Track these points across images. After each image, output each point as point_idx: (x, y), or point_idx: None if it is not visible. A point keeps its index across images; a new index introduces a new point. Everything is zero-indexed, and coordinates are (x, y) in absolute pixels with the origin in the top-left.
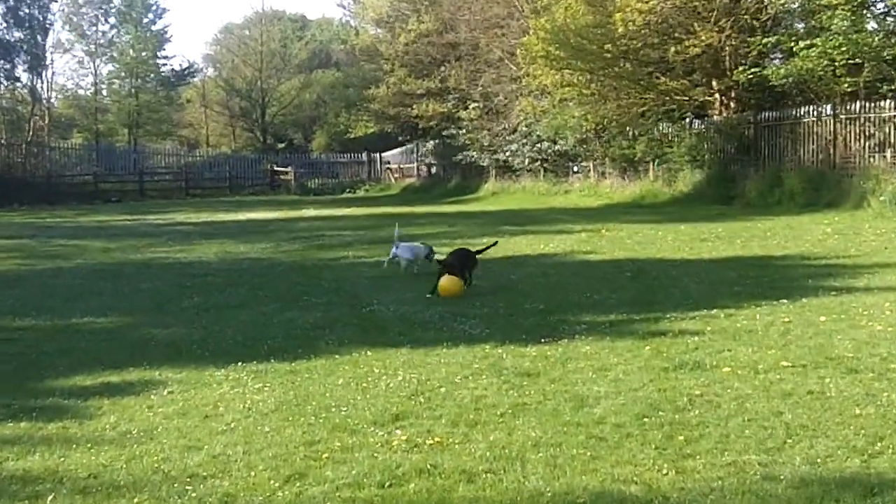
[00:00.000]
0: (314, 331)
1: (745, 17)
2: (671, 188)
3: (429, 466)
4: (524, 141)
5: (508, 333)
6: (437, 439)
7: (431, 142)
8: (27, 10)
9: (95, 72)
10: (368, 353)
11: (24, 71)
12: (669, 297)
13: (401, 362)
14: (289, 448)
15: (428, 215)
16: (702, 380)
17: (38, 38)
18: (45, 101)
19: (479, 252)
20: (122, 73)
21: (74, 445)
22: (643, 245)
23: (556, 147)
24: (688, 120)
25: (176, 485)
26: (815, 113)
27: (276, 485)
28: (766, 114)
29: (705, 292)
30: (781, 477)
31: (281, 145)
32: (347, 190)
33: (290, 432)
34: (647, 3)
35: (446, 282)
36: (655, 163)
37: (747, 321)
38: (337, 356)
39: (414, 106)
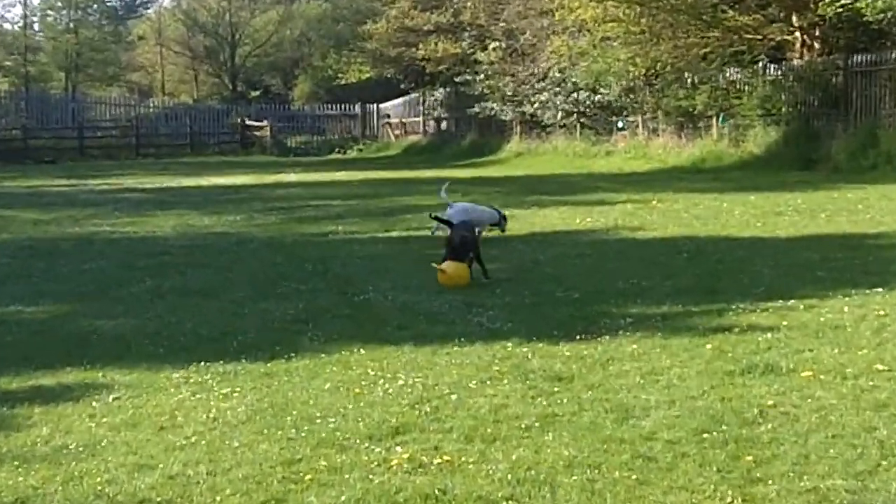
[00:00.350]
0: (295, 324)
1: None
2: (739, 149)
3: (436, 492)
4: (556, 90)
5: (536, 328)
6: (446, 458)
7: (441, 90)
8: None
9: (25, 1)
10: (362, 351)
11: None
12: (736, 285)
13: (402, 363)
14: (263, 468)
15: (436, 182)
16: (776, 387)
17: None
18: None
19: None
20: (59, 3)
21: None
22: (703, 220)
23: (597, 98)
24: (761, 64)
25: None
26: None
27: None
28: (859, 57)
29: (781, 278)
30: None
31: (254, 94)
32: (336, 150)
33: (264, 448)
34: None
35: (450, 264)
36: (720, 118)
37: (833, 315)
38: (323, 355)
39: (420, 45)
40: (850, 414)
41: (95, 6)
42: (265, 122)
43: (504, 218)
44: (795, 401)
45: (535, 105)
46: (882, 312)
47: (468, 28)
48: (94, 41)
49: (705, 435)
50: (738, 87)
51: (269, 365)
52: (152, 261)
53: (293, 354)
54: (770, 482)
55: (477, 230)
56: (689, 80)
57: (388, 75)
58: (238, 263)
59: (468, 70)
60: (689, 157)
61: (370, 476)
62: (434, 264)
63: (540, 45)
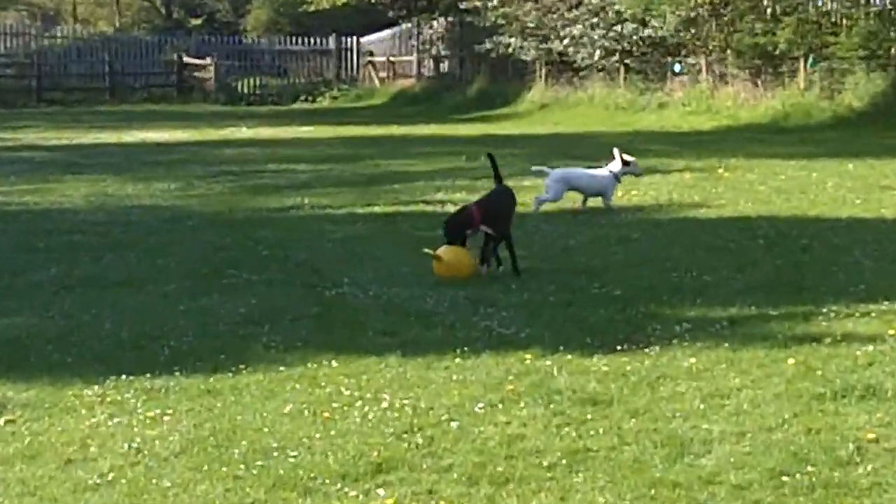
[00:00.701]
0: (246, 326)
1: None
2: (833, 102)
3: None
4: (594, 21)
5: (563, 335)
6: None
7: (441, 21)
8: None
9: None
10: (334, 363)
11: None
12: (828, 281)
13: (386, 380)
14: None
15: (433, 141)
16: (879, 415)
17: None
18: None
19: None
20: None
21: None
22: (786, 195)
23: (647, 32)
24: None
25: None
26: None
27: None
28: None
29: (888, 273)
30: None
31: (195, 22)
32: (303, 97)
33: (204, 490)
34: None
35: (448, 249)
36: (809, 60)
37: None
38: (283, 368)
39: None
40: None
41: None
42: (209, 60)
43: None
44: None
45: (566, 41)
46: None
47: None
48: None
49: (785, 478)
50: (833, 19)
51: (211, 380)
52: (58, 241)
53: (243, 367)
54: None
55: (586, 198)
56: (768, 10)
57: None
58: (172, 246)
59: None
60: (767, 111)
61: None
62: (427, 250)
63: None
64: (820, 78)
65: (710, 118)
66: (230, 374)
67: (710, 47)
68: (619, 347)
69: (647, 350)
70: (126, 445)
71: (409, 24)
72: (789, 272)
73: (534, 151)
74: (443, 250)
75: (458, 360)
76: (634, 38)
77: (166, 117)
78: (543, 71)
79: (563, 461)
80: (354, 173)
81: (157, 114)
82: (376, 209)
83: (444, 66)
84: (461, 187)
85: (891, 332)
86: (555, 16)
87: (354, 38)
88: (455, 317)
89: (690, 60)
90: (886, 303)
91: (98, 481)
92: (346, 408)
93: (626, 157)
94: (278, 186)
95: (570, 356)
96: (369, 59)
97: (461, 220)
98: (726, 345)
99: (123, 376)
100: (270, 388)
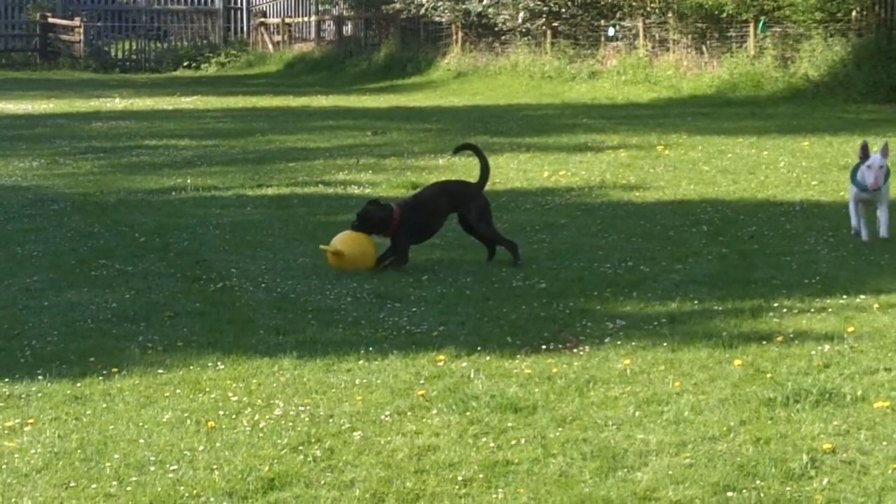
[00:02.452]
0: (119, 324)
1: None
2: (787, 71)
3: None
4: None
5: (480, 334)
6: None
7: None
8: None
9: None
10: (220, 365)
11: None
12: (780, 272)
13: (280, 384)
14: None
15: (334, 114)
16: (836, 423)
17: None
18: None
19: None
20: None
21: None
22: (733, 175)
23: None
24: None
25: None
26: None
27: None
28: None
29: (846, 263)
30: None
31: None
32: (186, 63)
33: None
34: None
35: (347, 240)
36: (760, 24)
37: None
38: (161, 371)
39: None
40: None
41: None
42: (77, 21)
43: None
44: (865, 444)
45: (485, 1)
46: None
47: None
48: None
49: (730, 494)
50: None
51: (79, 385)
52: None
53: (116, 370)
54: None
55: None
56: None
57: None
58: (33, 233)
59: None
60: (712, 80)
61: None
62: (323, 247)
63: None
64: (772, 44)
65: (648, 89)
66: (101, 379)
67: (649, 9)
68: (543, 347)
69: (575, 350)
70: None
71: None
72: (736, 263)
73: (449, 126)
74: (341, 242)
75: (361, 361)
76: None
77: (28, 86)
78: (460, 35)
79: (481, 475)
80: (244, 150)
81: (17, 82)
82: (269, 191)
83: (348, 29)
84: (366, 166)
85: (850, 329)
86: None
87: None
88: (359, 313)
89: (626, 24)
90: (845, 297)
91: None
92: (233, 416)
93: None
94: (157, 165)
95: (488, 357)
96: (262, 20)
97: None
98: (665, 344)
99: None
100: (147, 393)
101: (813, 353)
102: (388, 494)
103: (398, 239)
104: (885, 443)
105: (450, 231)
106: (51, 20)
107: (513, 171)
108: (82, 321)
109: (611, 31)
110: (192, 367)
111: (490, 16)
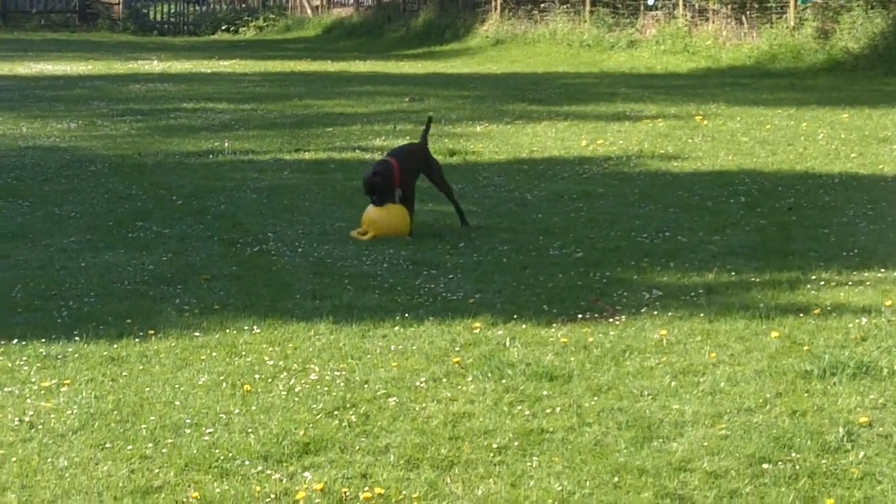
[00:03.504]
0: (156, 286)
1: None
2: (827, 43)
3: None
4: None
5: (517, 301)
6: (378, 491)
7: None
8: None
9: None
10: (255, 329)
11: None
12: (817, 244)
13: (316, 349)
14: (103, 501)
15: (371, 80)
16: (873, 396)
17: None
18: None
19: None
20: None
21: None
22: (772, 147)
23: None
24: None
25: None
26: None
27: None
28: None
29: (884, 237)
30: None
31: None
32: (224, 27)
33: (106, 471)
34: None
35: (375, 213)
36: None
37: None
38: (197, 334)
39: None
40: None
41: None
42: None
43: None
44: None
45: None
46: None
47: None
48: None
49: (765, 466)
50: None
51: (115, 347)
52: None
53: (152, 332)
54: None
55: None
56: None
57: None
58: (71, 194)
59: None
60: (751, 52)
61: None
62: (354, 233)
63: None
64: (812, 16)
65: (686, 59)
66: (137, 341)
67: None
68: (580, 316)
69: (611, 320)
70: (16, 420)
71: None
72: (774, 234)
73: (486, 93)
74: (368, 216)
75: (397, 327)
76: None
77: (67, 47)
78: (499, 2)
79: (515, 443)
80: (282, 115)
81: (56, 43)
82: (306, 156)
83: None
84: (403, 132)
85: (887, 302)
86: None
87: None
88: (395, 279)
89: None
90: (883, 270)
91: None
92: (269, 380)
93: None
94: (194, 128)
95: (524, 325)
96: None
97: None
98: (701, 315)
99: (15, 341)
100: (183, 356)
101: (850, 325)
102: (423, 461)
103: (406, 187)
104: None
105: (487, 199)
106: None
107: (550, 139)
108: (119, 283)
109: (650, 1)
110: (228, 331)
111: None
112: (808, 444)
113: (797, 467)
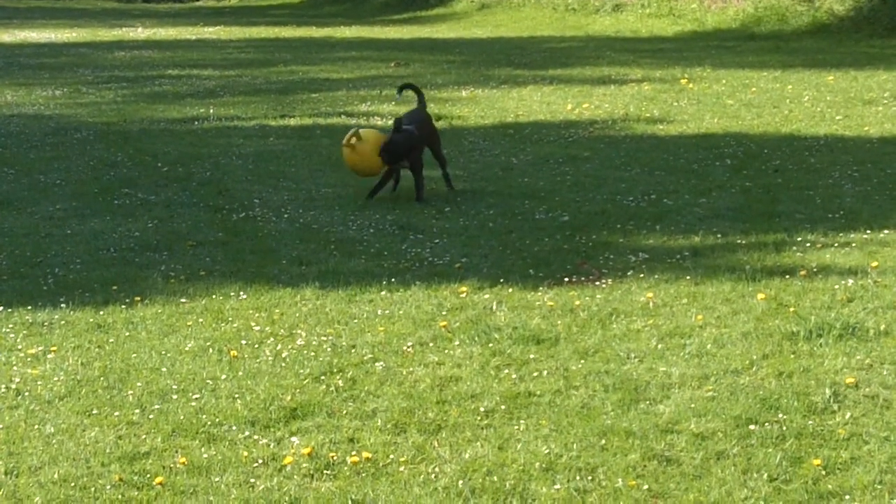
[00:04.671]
0: (142, 253)
1: None
2: (812, 5)
3: None
4: None
5: (503, 266)
6: (366, 455)
7: None
8: None
9: None
10: (242, 295)
11: None
12: (804, 207)
13: (302, 314)
14: (91, 467)
15: (357, 45)
16: (859, 357)
17: None
18: None
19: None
20: None
21: None
22: (757, 109)
23: None
24: None
25: None
26: None
27: None
28: None
29: (870, 199)
30: None
31: None
32: None
33: (93, 437)
34: None
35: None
36: None
37: None
38: (184, 300)
39: None
40: None
41: None
42: None
43: None
44: (888, 379)
45: None
46: None
47: None
48: None
49: (752, 427)
50: None
51: (101, 313)
52: None
53: (139, 298)
54: (847, 497)
55: None
56: None
57: None
58: (56, 162)
59: None
60: (737, 15)
61: (251, 480)
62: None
63: None
64: None
65: (672, 22)
66: (123, 307)
67: None
68: (566, 280)
69: (598, 283)
70: (4, 387)
71: None
72: (760, 197)
73: (472, 58)
74: (363, 133)
75: (384, 292)
76: None
77: (51, 14)
78: None
79: (503, 407)
80: (267, 81)
81: (40, 10)
82: (292, 122)
83: None
84: (389, 98)
85: (873, 264)
86: None
87: None
88: (381, 244)
89: None
90: (869, 231)
91: None
92: (256, 345)
93: None
94: (179, 95)
95: (511, 289)
96: None
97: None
98: (688, 277)
99: (1, 308)
100: (170, 322)
101: (836, 287)
102: (410, 425)
103: (416, 160)
104: None
105: (472, 163)
106: None
107: (536, 103)
108: (105, 249)
109: None
110: (214, 297)
111: None
112: (794, 405)
113: (784, 428)
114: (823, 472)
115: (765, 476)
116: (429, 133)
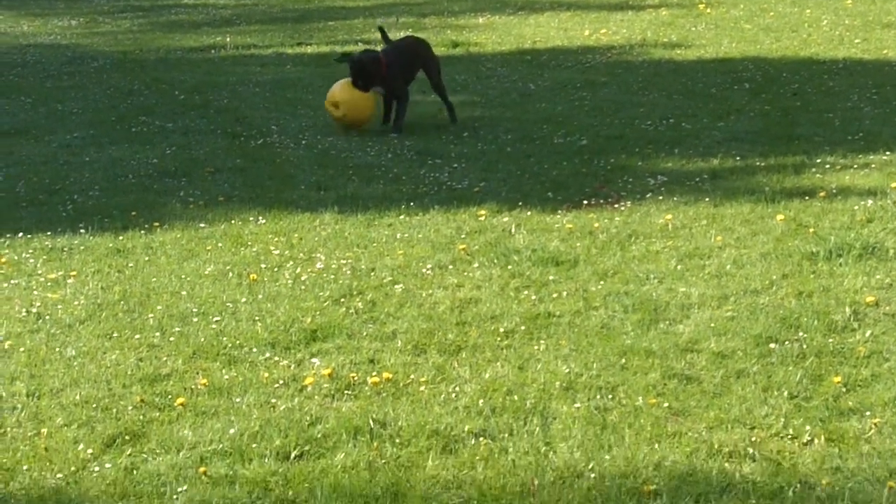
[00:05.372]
0: (161, 179)
1: None
2: None
3: (370, 424)
4: None
5: (522, 189)
6: (386, 376)
7: None
8: None
9: None
10: (261, 220)
11: None
12: (823, 129)
13: (321, 238)
14: (112, 388)
15: None
16: (879, 276)
17: None
18: None
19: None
20: None
21: None
22: (775, 33)
23: None
24: None
25: None
26: None
27: (86, 454)
28: None
29: (889, 120)
30: None
31: None
32: None
33: (114, 360)
34: None
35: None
36: None
37: None
38: (203, 225)
39: None
40: None
41: None
42: None
43: None
44: None
45: None
46: None
47: None
48: None
49: (772, 345)
50: None
51: (121, 239)
52: None
53: (158, 224)
54: (867, 414)
55: None
56: None
57: None
58: (73, 91)
59: None
60: None
61: (272, 400)
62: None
63: None
64: None
65: None
66: (143, 232)
67: None
68: (585, 203)
69: (617, 206)
70: (24, 311)
71: None
72: (778, 120)
73: None
74: (339, 90)
75: (403, 216)
76: None
77: None
78: None
79: (522, 327)
80: (283, 8)
81: None
82: (309, 49)
83: None
84: (405, 25)
85: (893, 184)
86: None
87: None
88: (400, 169)
89: None
90: (888, 153)
91: None
92: (275, 269)
93: None
94: (196, 23)
95: (529, 212)
96: None
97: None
98: (707, 199)
99: (20, 234)
100: (189, 247)
101: (856, 208)
102: (430, 346)
103: (391, 82)
104: None
105: (490, 89)
106: None
107: (553, 29)
108: (123, 177)
109: None
110: (233, 222)
111: None
112: (814, 323)
113: (804, 346)
114: (844, 390)
115: (785, 394)
116: (419, 62)
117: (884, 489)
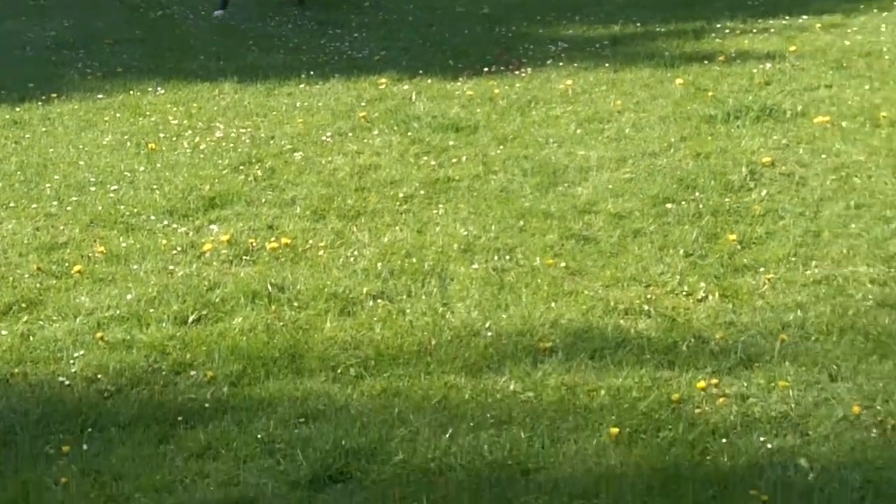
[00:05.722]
0: (58, 51)
1: None
2: None
3: (268, 288)
4: None
5: (423, 58)
6: (285, 241)
7: None
8: None
9: None
10: (160, 90)
11: None
12: None
13: (221, 108)
14: (8, 257)
15: None
16: (776, 137)
17: None
18: None
19: None
20: None
21: None
22: None
23: None
24: None
25: None
26: None
27: None
28: None
29: None
30: None
31: None
32: None
33: (10, 229)
34: None
35: None
36: None
37: (864, 36)
38: (101, 96)
39: None
40: (883, 175)
41: None
42: None
43: None
44: (804, 157)
45: None
46: None
47: None
48: None
49: (669, 205)
50: None
51: (17, 110)
52: None
53: (55, 95)
54: (762, 270)
55: None
56: None
57: None
58: None
59: None
60: None
61: (170, 267)
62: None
63: None
64: None
65: None
66: (40, 104)
67: None
68: (486, 70)
69: (517, 72)
70: None
71: None
72: None
73: None
74: None
75: (302, 85)
76: None
77: None
78: None
79: (422, 192)
80: None
81: None
82: None
83: None
84: None
85: (791, 48)
86: None
87: None
88: (300, 39)
89: None
90: (787, 18)
91: None
92: (174, 139)
93: None
94: None
95: (430, 80)
96: None
97: None
98: (607, 65)
99: None
100: (87, 117)
101: (754, 71)
102: (329, 211)
103: None
104: (823, 155)
105: None
106: None
107: None
108: (20, 49)
109: None
110: (132, 92)
111: None
112: (711, 183)
113: (700, 206)
114: (739, 247)
115: (681, 252)
116: None
117: (776, 342)
